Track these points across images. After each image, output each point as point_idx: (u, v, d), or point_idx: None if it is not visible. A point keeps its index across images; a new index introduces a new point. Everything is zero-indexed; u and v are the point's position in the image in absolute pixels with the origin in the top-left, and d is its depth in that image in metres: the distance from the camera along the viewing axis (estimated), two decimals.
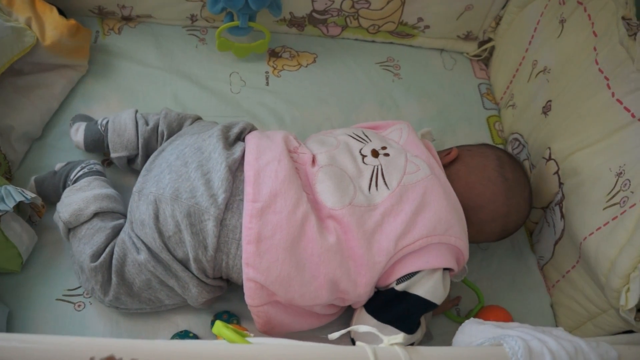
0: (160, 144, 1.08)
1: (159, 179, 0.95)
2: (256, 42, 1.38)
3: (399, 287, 0.92)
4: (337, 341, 0.72)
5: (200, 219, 0.90)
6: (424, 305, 0.93)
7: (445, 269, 0.95)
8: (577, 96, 1.08)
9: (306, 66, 1.44)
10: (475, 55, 1.53)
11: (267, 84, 1.39)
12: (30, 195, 0.98)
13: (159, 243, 0.91)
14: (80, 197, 0.99)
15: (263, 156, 0.95)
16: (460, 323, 1.06)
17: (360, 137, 1.03)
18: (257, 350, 0.60)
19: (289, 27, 1.47)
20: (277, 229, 0.88)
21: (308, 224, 0.89)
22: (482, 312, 1.10)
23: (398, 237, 0.91)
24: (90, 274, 0.95)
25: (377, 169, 0.97)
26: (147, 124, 1.10)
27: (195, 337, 1.00)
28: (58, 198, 1.04)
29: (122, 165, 1.13)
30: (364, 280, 0.91)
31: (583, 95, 1.07)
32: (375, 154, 0.99)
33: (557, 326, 1.12)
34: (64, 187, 1.06)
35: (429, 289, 0.92)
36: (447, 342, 0.83)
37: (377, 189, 0.94)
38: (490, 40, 1.49)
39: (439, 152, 1.08)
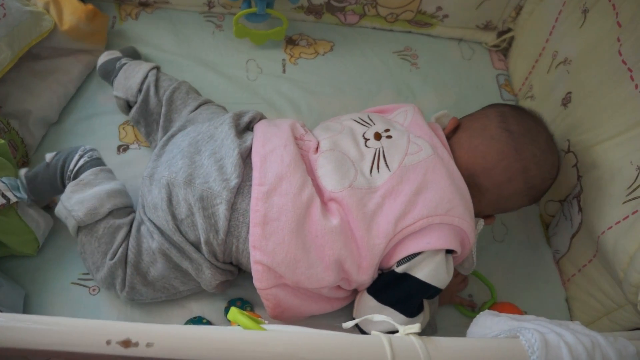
0: (157, 111, 1.12)
1: (171, 164, 0.95)
2: (273, 30, 1.37)
3: (399, 269, 0.92)
4: (350, 330, 0.72)
5: (212, 202, 0.91)
6: (425, 288, 0.92)
7: (448, 253, 0.94)
8: (599, 88, 1.07)
9: (323, 54, 1.43)
10: (494, 46, 1.51)
11: (284, 71, 1.38)
12: None
13: (171, 225, 0.92)
14: (92, 194, 0.96)
15: (269, 142, 0.96)
16: (472, 317, 1.07)
17: (365, 121, 1.03)
18: (272, 336, 0.60)
19: (307, 15, 1.46)
20: (283, 211, 0.89)
21: (313, 207, 0.90)
22: (494, 308, 1.09)
23: (397, 218, 0.90)
24: (110, 271, 0.95)
25: (379, 151, 0.96)
26: (156, 88, 1.14)
27: (209, 323, 1.01)
28: (55, 191, 1.02)
29: (120, 107, 1.19)
30: (365, 262, 0.91)
31: (605, 87, 1.05)
32: (377, 136, 0.98)
33: (571, 320, 1.11)
34: (62, 178, 1.01)
35: (430, 272, 0.91)
36: (459, 335, 0.82)
37: (378, 171, 0.94)
38: (509, 30, 1.47)
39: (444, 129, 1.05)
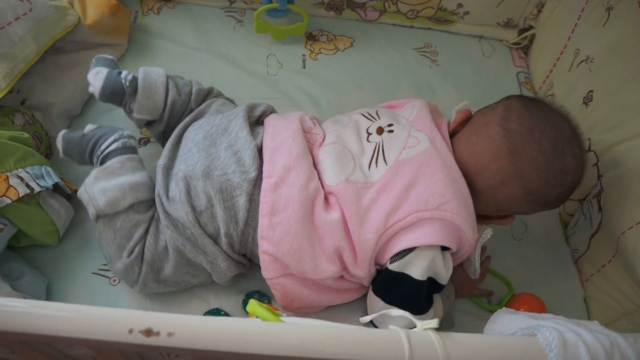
0: (183, 118, 1.07)
1: (187, 157, 0.96)
2: (294, 25, 1.38)
3: (393, 267, 0.90)
4: (367, 326, 0.72)
5: (232, 194, 0.92)
6: (424, 286, 0.90)
7: (445, 250, 0.91)
8: (622, 87, 1.06)
9: (343, 50, 1.43)
10: (514, 43, 1.50)
11: (304, 67, 1.39)
12: (62, 183, 1.00)
13: (191, 217, 0.92)
14: (115, 184, 0.95)
15: (278, 135, 0.97)
16: (490, 310, 1.06)
17: (372, 115, 1.02)
18: (291, 328, 0.61)
19: (327, 11, 1.46)
20: (290, 202, 0.90)
21: (318, 199, 0.91)
22: (515, 300, 1.09)
23: (388, 213, 0.88)
24: (126, 267, 0.96)
25: (379, 145, 0.95)
26: (179, 94, 1.07)
27: (227, 315, 1.02)
28: (81, 160, 1.03)
29: (140, 125, 1.11)
30: (359, 257, 0.91)
31: (628, 86, 1.04)
32: (380, 131, 0.98)
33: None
34: (91, 154, 1.02)
35: (425, 270, 0.89)
36: (476, 330, 0.82)
37: (376, 165, 0.93)
38: (531, 28, 1.46)
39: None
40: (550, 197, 0.92)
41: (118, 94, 1.07)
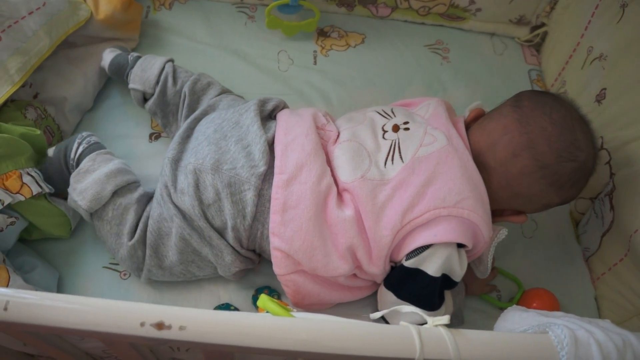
0: (181, 105, 1.12)
1: (197, 150, 0.97)
2: (305, 21, 1.38)
3: (408, 263, 0.90)
4: (377, 321, 0.72)
5: (240, 188, 0.93)
6: (438, 283, 0.90)
7: (460, 247, 0.91)
8: (635, 84, 1.05)
9: (354, 46, 1.43)
10: (526, 41, 1.49)
11: (315, 63, 1.39)
12: None
13: (197, 210, 0.93)
14: (92, 179, 0.98)
15: (291, 131, 0.97)
16: (500, 308, 1.06)
17: (387, 113, 1.02)
18: (301, 323, 0.61)
19: (339, 7, 1.46)
20: (302, 199, 0.90)
21: (330, 196, 0.91)
22: (527, 295, 1.08)
23: (405, 210, 0.88)
24: (130, 252, 0.98)
25: (395, 143, 0.95)
26: (174, 79, 1.14)
27: (236, 310, 1.02)
28: (66, 184, 1.01)
29: (137, 99, 1.18)
30: (374, 253, 0.91)
31: None
32: (395, 128, 0.98)
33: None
34: (68, 169, 1.03)
35: (440, 267, 0.89)
36: (486, 328, 0.82)
37: (392, 163, 0.93)
38: (543, 25, 1.45)
39: None
40: (563, 175, 0.91)
41: (122, 68, 1.19)
